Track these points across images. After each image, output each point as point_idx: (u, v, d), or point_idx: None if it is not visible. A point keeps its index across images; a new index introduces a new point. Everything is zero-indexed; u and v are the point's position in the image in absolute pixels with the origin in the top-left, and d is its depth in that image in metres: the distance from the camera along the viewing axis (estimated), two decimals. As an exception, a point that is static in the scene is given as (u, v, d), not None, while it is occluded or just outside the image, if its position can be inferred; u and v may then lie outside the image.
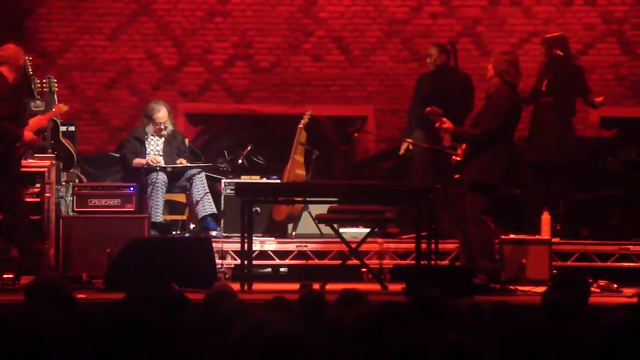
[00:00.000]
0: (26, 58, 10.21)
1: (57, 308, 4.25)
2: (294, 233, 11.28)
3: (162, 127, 11.20)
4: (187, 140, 11.63)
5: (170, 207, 11.36)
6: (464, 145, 9.50)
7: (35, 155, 10.65)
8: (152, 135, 11.26)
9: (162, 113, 11.20)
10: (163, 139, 11.26)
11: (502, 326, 4.28)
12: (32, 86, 10.91)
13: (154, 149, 11.26)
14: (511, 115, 9.40)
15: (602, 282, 9.44)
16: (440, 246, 9.68)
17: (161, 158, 11.18)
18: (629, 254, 10.63)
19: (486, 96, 9.63)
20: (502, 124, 9.30)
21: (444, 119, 9.42)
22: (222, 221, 11.17)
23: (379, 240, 10.68)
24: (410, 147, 11.34)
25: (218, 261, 10.18)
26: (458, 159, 9.49)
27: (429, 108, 9.55)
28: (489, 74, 9.49)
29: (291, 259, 10.75)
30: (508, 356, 4.08)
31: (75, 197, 10.75)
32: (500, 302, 8.00)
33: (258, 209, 10.74)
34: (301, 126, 11.43)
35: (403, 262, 10.57)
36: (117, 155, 11.68)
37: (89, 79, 12.96)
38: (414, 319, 4.65)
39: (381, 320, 4.30)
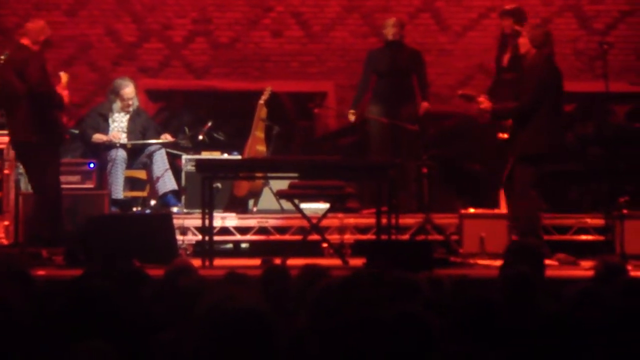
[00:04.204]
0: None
1: (14, 284, 4.24)
2: (254, 209, 11.30)
3: (130, 103, 11.20)
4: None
5: (131, 183, 11.33)
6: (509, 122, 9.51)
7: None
8: (118, 112, 11.24)
9: (129, 89, 11.21)
10: (128, 116, 11.25)
11: (461, 300, 4.32)
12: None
13: (118, 125, 11.23)
14: (549, 84, 9.39)
15: (560, 255, 9.53)
16: (400, 221, 9.75)
17: (124, 135, 11.15)
18: (587, 227, 10.74)
19: (523, 70, 9.63)
20: (539, 94, 9.30)
21: (480, 99, 9.43)
22: (183, 197, 11.17)
23: (340, 215, 10.72)
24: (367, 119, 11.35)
25: (179, 237, 10.18)
26: (505, 136, 9.53)
27: (460, 92, 9.53)
28: (523, 48, 9.49)
29: (252, 235, 10.76)
30: (467, 329, 4.12)
31: (34, 174, 10.68)
32: (460, 276, 8.08)
33: (219, 185, 10.74)
34: (261, 102, 11.42)
35: (364, 236, 10.62)
36: (77, 131, 11.62)
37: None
38: (373, 292, 4.69)
39: (342, 293, 4.33)
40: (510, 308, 4.72)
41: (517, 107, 9.38)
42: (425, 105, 11.17)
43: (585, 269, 8.90)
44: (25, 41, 9.70)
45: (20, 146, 9.79)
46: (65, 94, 9.79)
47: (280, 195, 10.26)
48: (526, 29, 9.59)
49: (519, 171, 9.36)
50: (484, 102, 9.48)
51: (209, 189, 9.37)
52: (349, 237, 10.65)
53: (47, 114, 9.57)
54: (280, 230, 10.72)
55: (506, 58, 11.10)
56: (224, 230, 10.68)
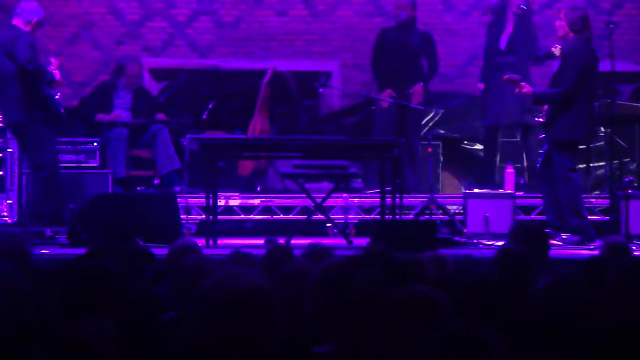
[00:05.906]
0: None
1: (14, 263, 4.23)
2: (259, 188, 11.28)
3: (134, 80, 11.19)
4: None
5: (134, 162, 11.31)
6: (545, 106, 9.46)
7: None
8: (123, 90, 11.22)
9: (134, 66, 11.20)
10: (132, 94, 11.22)
11: (464, 279, 4.31)
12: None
13: (122, 103, 11.21)
14: (589, 70, 9.32)
15: (564, 235, 9.51)
16: (404, 201, 9.73)
17: (127, 113, 11.13)
18: (592, 207, 10.71)
19: (562, 54, 9.54)
20: (581, 80, 9.26)
21: (523, 84, 9.37)
22: (187, 177, 11.15)
23: (344, 195, 10.70)
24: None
25: (183, 216, 10.16)
26: (541, 120, 9.49)
27: (506, 76, 9.49)
28: (561, 31, 9.40)
29: (256, 214, 10.75)
30: (469, 309, 4.10)
31: (38, 152, 10.67)
32: (463, 256, 8.06)
33: (223, 164, 10.72)
34: (265, 81, 11.39)
35: (368, 216, 10.61)
36: (80, 110, 11.60)
37: (50, 33, 12.79)
38: (377, 271, 4.67)
39: (345, 273, 4.32)
40: (507, 287, 4.70)
41: (560, 92, 9.26)
42: (418, 89, 11.10)
43: (589, 249, 8.89)
44: (17, 21, 9.71)
45: (13, 127, 9.80)
46: (55, 73, 9.77)
47: (284, 175, 10.25)
48: (564, 12, 9.46)
49: (558, 157, 9.31)
50: (525, 86, 9.39)
51: (212, 168, 9.35)
52: (353, 217, 10.64)
53: (38, 92, 9.56)
54: (285, 210, 10.71)
55: (504, 39, 10.98)
56: (228, 210, 10.67)
